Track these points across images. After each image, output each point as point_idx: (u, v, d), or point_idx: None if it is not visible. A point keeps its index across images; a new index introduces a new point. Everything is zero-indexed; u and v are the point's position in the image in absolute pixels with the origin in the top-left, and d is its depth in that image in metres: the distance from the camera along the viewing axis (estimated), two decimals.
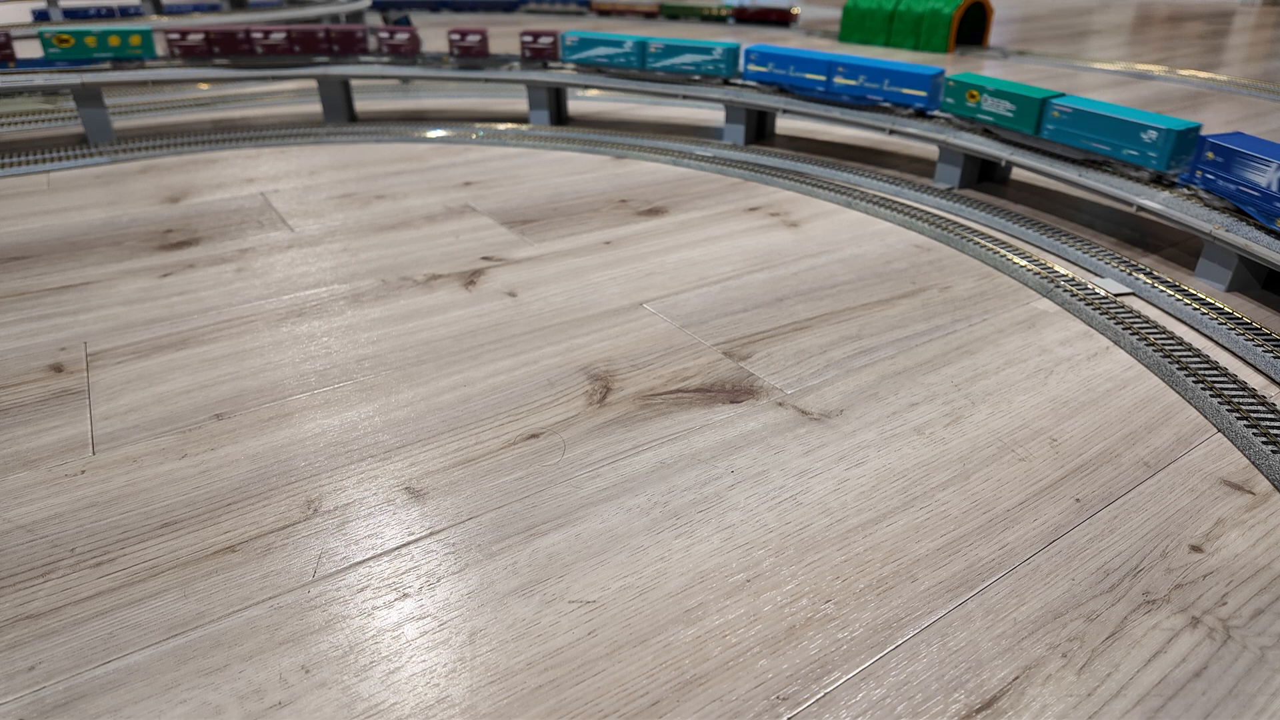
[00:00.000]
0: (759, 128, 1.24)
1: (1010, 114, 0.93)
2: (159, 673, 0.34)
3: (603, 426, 0.51)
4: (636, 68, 1.24)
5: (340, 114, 1.32)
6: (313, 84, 1.67)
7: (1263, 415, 0.49)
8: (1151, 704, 0.33)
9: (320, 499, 0.44)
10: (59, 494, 0.45)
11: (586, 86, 1.24)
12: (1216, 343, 0.61)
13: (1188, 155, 0.78)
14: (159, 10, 2.44)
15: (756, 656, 0.34)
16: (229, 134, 1.21)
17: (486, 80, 1.27)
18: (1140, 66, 1.82)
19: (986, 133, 0.97)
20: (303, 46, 1.27)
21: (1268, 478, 0.46)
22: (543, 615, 0.37)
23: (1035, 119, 0.90)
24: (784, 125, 1.31)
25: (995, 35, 2.46)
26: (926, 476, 0.46)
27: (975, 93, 0.96)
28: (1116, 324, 0.62)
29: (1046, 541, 0.41)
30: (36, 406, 0.53)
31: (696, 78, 1.22)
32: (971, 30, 2.19)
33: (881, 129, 1.03)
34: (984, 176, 1.02)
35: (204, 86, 1.61)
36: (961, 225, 0.83)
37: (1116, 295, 0.68)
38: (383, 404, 0.53)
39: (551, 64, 1.29)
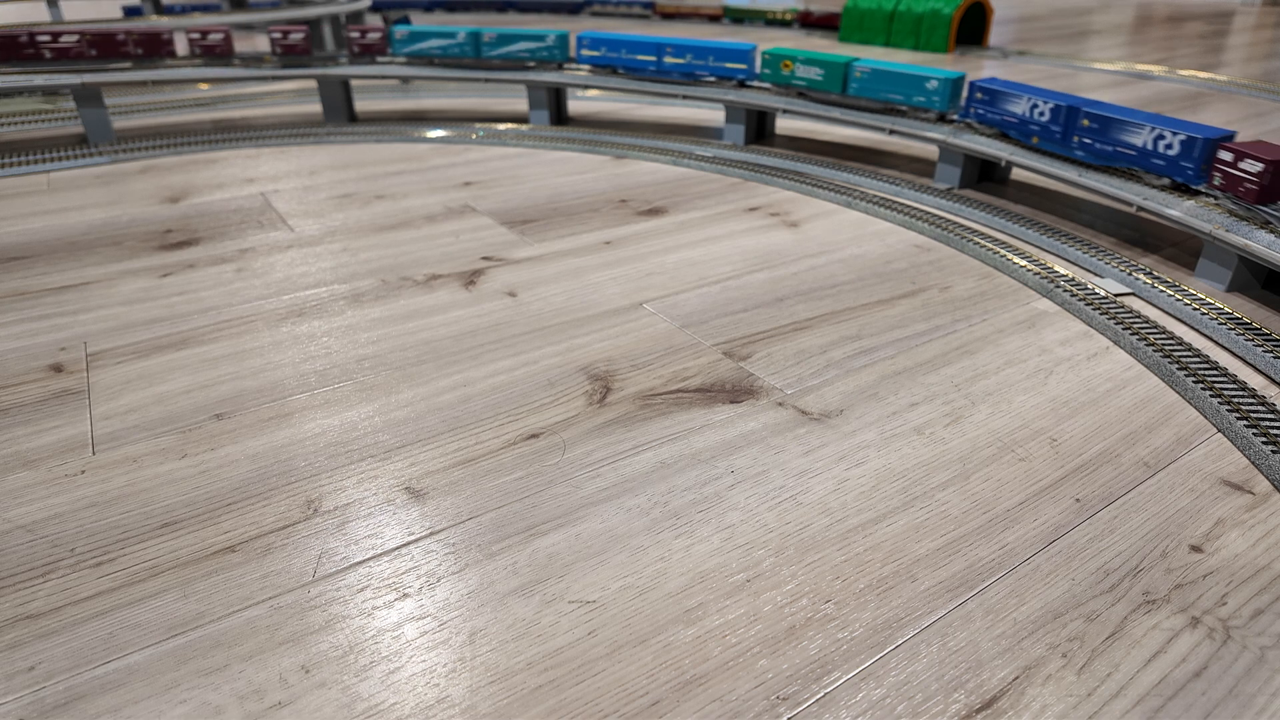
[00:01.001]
0: (759, 128, 1.24)
1: (820, 78, 1.09)
2: (159, 673, 0.34)
3: (603, 426, 0.51)
4: (471, 57, 1.27)
5: (340, 114, 1.32)
6: (313, 84, 1.67)
7: (1263, 415, 0.49)
8: (1151, 704, 0.33)
9: (320, 499, 0.44)
10: (59, 494, 0.45)
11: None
12: (1216, 343, 0.61)
13: (959, 99, 1.00)
14: (159, 10, 2.44)
15: (756, 656, 0.34)
16: (229, 134, 1.21)
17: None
18: (1140, 66, 1.82)
19: (801, 95, 1.13)
20: (100, 50, 1.20)
21: (1268, 478, 0.46)
22: (543, 615, 0.37)
23: (841, 80, 1.07)
24: (784, 125, 1.31)
25: (995, 35, 2.46)
26: (926, 476, 0.46)
27: (789, 62, 1.12)
28: (1116, 324, 0.62)
29: (1046, 541, 0.41)
30: (36, 406, 0.53)
31: (531, 64, 1.27)
32: (972, 30, 2.19)
33: (881, 129, 1.03)
34: (984, 176, 1.02)
35: (204, 86, 1.61)
36: (961, 225, 0.83)
37: (1116, 295, 0.68)
38: (383, 404, 0.53)
39: (380, 58, 1.30)
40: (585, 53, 1.25)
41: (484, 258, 0.78)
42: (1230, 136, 0.74)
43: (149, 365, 0.58)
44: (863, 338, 0.62)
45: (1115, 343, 0.61)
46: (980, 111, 0.96)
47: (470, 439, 0.49)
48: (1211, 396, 0.52)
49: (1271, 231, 0.67)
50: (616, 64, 1.24)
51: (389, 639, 0.35)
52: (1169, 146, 0.77)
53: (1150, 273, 0.71)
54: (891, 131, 1.02)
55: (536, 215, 0.90)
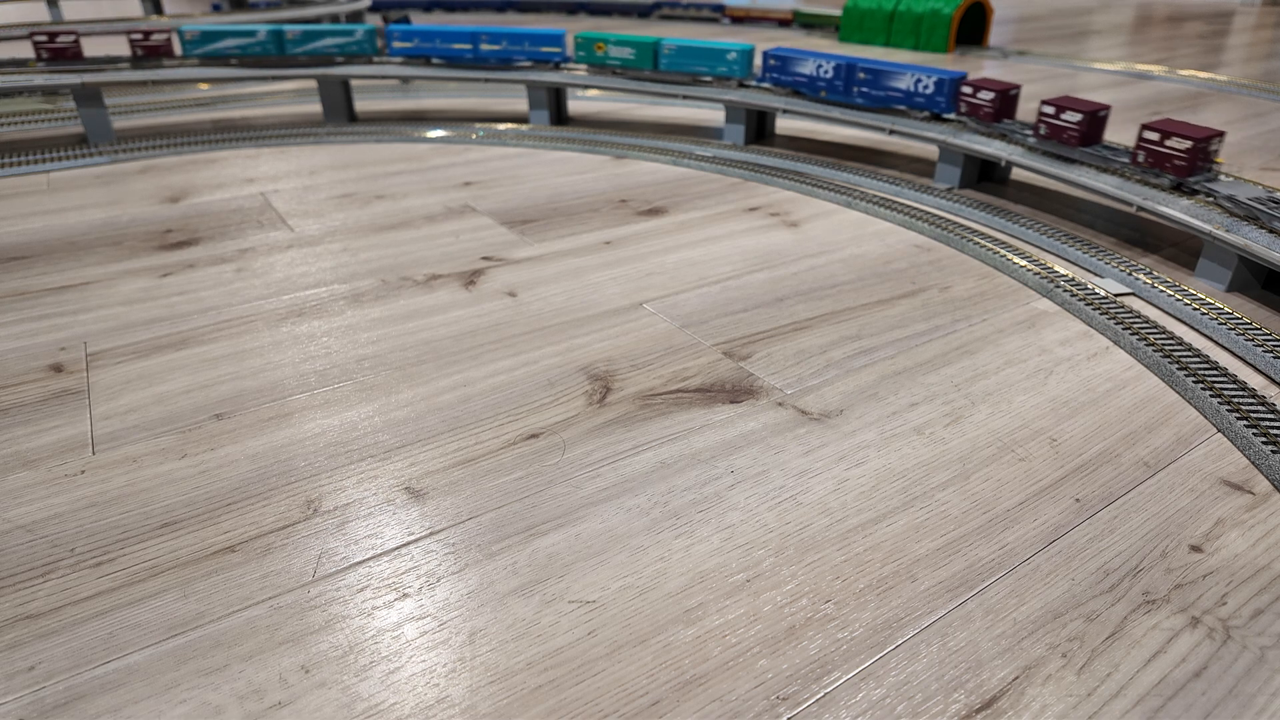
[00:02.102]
0: (759, 128, 1.24)
1: (633, 57, 1.20)
2: (159, 673, 0.34)
3: (603, 426, 0.51)
4: (274, 54, 1.26)
5: (340, 114, 1.32)
6: (313, 84, 1.67)
7: (1263, 415, 0.49)
8: (1151, 704, 0.33)
9: (320, 499, 0.44)
10: (59, 494, 0.45)
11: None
12: (1216, 343, 0.61)
13: (752, 67, 1.16)
14: (159, 11, 2.44)
15: (756, 656, 0.34)
16: (229, 134, 1.21)
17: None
18: (1140, 66, 1.82)
19: (615, 73, 1.23)
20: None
21: (1268, 478, 0.46)
22: (543, 615, 0.37)
23: (652, 57, 1.19)
24: (784, 125, 1.31)
25: (995, 35, 2.46)
26: (926, 476, 0.46)
27: (601, 44, 1.22)
28: (1116, 324, 0.62)
29: (1046, 541, 0.41)
30: (36, 406, 0.53)
31: (340, 59, 1.27)
32: (972, 30, 2.19)
33: (881, 129, 1.03)
34: (984, 176, 1.02)
35: (204, 86, 1.61)
36: (961, 225, 0.83)
37: (1116, 295, 0.68)
38: (383, 404, 0.53)
39: (168, 60, 1.26)
40: (397, 45, 1.26)
41: (484, 258, 0.78)
42: (964, 77, 0.98)
43: (149, 365, 0.58)
44: (863, 338, 0.62)
45: (1115, 343, 0.61)
46: (775, 75, 1.14)
47: (470, 439, 0.49)
48: (1211, 396, 0.52)
49: (1004, 138, 0.94)
50: (431, 54, 1.27)
51: (389, 639, 0.35)
52: (926, 87, 1.00)
53: (1150, 273, 0.71)
54: (891, 131, 1.02)
55: (536, 215, 0.90)
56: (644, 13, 2.93)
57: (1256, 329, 0.61)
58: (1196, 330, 0.63)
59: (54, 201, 0.94)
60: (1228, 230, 0.68)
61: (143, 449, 0.49)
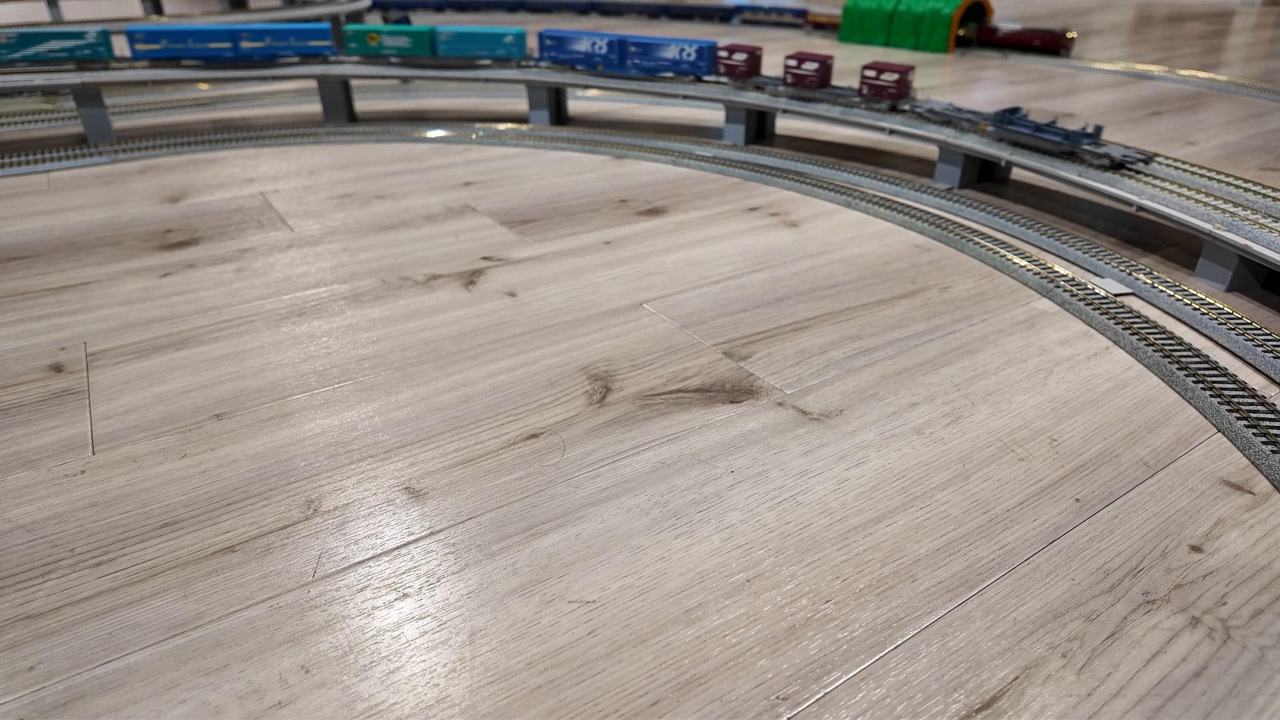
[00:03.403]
0: (759, 128, 1.24)
1: (409, 45, 1.25)
2: (159, 673, 0.34)
3: (603, 426, 0.51)
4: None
5: (340, 114, 1.32)
6: (313, 84, 1.67)
7: (1263, 415, 0.49)
8: (1151, 704, 0.33)
9: (320, 499, 0.44)
10: (59, 494, 0.45)
11: (586, 87, 1.24)
12: (1216, 343, 0.61)
13: (525, 49, 1.25)
14: (159, 11, 2.44)
15: (756, 656, 0.34)
16: (229, 134, 1.21)
17: None
18: (1140, 66, 1.82)
19: (390, 62, 1.27)
20: None
21: (1268, 478, 0.46)
22: (543, 615, 0.37)
23: (430, 45, 1.25)
24: (784, 125, 1.31)
25: None
26: (926, 476, 0.46)
27: (374, 35, 1.25)
28: (1116, 324, 0.62)
29: (1046, 541, 0.41)
30: (36, 406, 0.53)
31: (71, 65, 1.17)
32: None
33: (881, 129, 1.03)
34: (984, 176, 1.02)
35: (204, 86, 1.61)
36: (961, 225, 0.83)
37: (1116, 295, 0.68)
38: (383, 404, 0.53)
39: None
40: (140, 47, 1.18)
41: (484, 258, 0.78)
42: (716, 45, 1.16)
43: (149, 365, 0.58)
44: (863, 338, 0.62)
45: (1115, 343, 0.61)
46: (553, 55, 1.25)
47: (470, 439, 0.49)
48: (1211, 396, 0.52)
49: (759, 89, 1.14)
50: (183, 55, 1.20)
51: (389, 639, 0.35)
52: (689, 55, 1.18)
53: (1150, 273, 0.71)
54: (892, 131, 1.02)
55: (536, 215, 0.90)
56: (725, 17, 2.80)
57: (1256, 329, 0.61)
58: (1196, 330, 0.63)
59: (54, 201, 0.94)
60: (1228, 230, 0.68)
61: (143, 449, 0.49)
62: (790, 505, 0.43)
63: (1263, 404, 0.51)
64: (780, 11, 2.66)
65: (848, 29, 2.26)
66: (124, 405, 0.53)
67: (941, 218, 0.85)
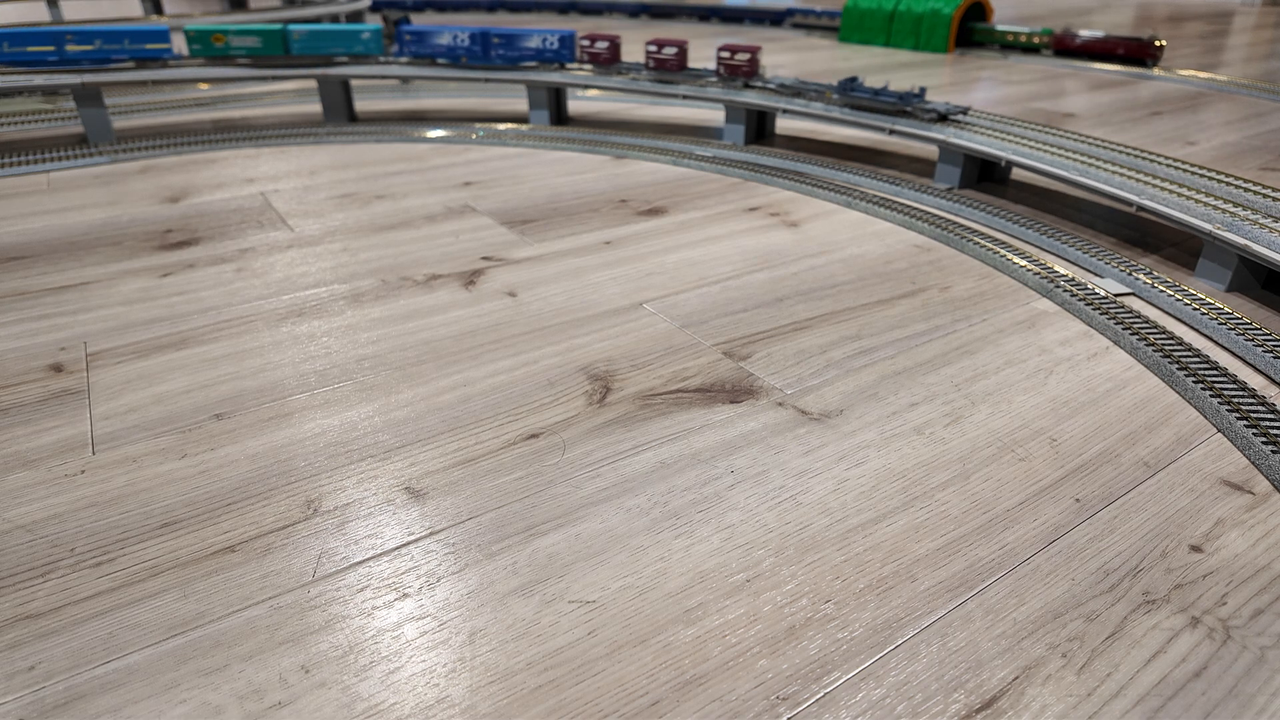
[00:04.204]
0: (759, 128, 1.24)
1: (261, 44, 1.22)
2: (159, 673, 0.34)
3: (603, 426, 0.51)
4: None
5: (340, 114, 1.32)
6: (313, 84, 1.67)
7: (1263, 415, 0.49)
8: (1151, 704, 0.33)
9: (320, 499, 0.44)
10: (59, 494, 0.45)
11: (588, 86, 1.25)
12: (1216, 343, 0.61)
13: (382, 43, 1.26)
14: (159, 11, 2.44)
15: (756, 656, 0.34)
16: (229, 134, 1.21)
17: None
18: (1140, 67, 1.81)
19: (239, 63, 1.23)
20: None
21: (1268, 478, 0.46)
22: (543, 615, 0.37)
23: (283, 43, 1.22)
24: (784, 125, 1.31)
25: None
26: (926, 476, 0.46)
27: (220, 36, 1.20)
28: (1116, 324, 0.62)
29: (1046, 541, 0.41)
30: (36, 406, 0.53)
31: None
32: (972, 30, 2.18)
33: (881, 129, 1.03)
34: (984, 176, 1.02)
35: (204, 86, 1.61)
36: (961, 225, 0.83)
37: (1116, 295, 0.68)
38: (383, 404, 0.53)
39: None
40: None
41: (484, 258, 0.78)
42: (575, 34, 1.24)
43: (149, 365, 0.58)
44: (863, 338, 0.62)
45: (1115, 343, 0.61)
46: (414, 49, 1.27)
47: (470, 439, 0.49)
48: (1211, 396, 0.52)
49: (620, 74, 1.23)
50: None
51: (389, 639, 0.35)
52: (552, 44, 1.24)
53: (1150, 273, 0.71)
54: (891, 131, 1.02)
55: (536, 215, 0.90)
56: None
57: (1256, 329, 0.61)
58: (1196, 330, 0.63)
59: (54, 201, 0.94)
60: (1228, 230, 0.68)
61: (143, 449, 0.49)
62: (790, 505, 0.43)
63: (1263, 404, 0.51)
64: (832, 16, 2.63)
65: (847, 29, 2.26)
66: (124, 405, 0.53)
67: (941, 218, 0.85)
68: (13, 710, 0.32)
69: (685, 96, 1.19)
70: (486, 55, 1.25)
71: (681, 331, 0.63)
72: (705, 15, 2.83)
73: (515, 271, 0.75)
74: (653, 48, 1.20)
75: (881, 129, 1.03)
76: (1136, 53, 1.79)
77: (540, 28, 1.27)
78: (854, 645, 0.35)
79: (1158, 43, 1.77)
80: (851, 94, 1.06)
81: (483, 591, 0.38)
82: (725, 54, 1.17)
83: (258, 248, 0.80)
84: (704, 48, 2.12)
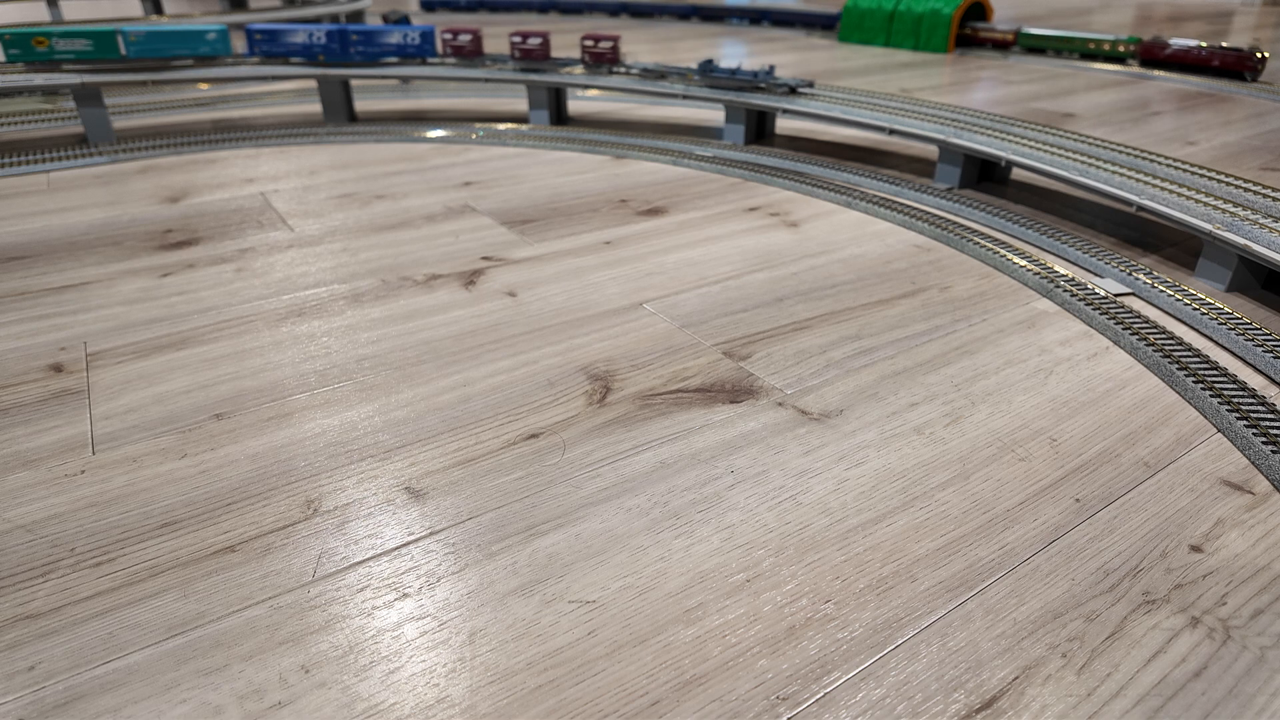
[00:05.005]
0: (759, 128, 1.24)
1: (91, 48, 1.16)
2: (159, 673, 0.34)
3: (603, 426, 0.51)
4: None
5: (340, 114, 1.32)
6: (313, 84, 1.67)
7: (1263, 415, 0.49)
8: (1151, 704, 0.33)
9: (320, 499, 0.44)
10: (59, 494, 0.45)
11: (589, 86, 1.25)
12: (1216, 343, 0.61)
13: (229, 44, 1.23)
14: (159, 11, 2.44)
15: (756, 656, 0.34)
16: (229, 134, 1.21)
17: None
18: (1140, 66, 1.81)
19: (65, 69, 1.16)
20: None
21: (1268, 478, 0.46)
22: (543, 615, 0.37)
23: (115, 46, 1.17)
24: (784, 125, 1.31)
25: None
26: (926, 476, 0.46)
27: (42, 39, 1.13)
28: (1116, 324, 0.62)
29: (1046, 541, 0.41)
30: (36, 406, 0.53)
31: None
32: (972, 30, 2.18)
33: (881, 129, 1.03)
34: (984, 176, 1.02)
35: (204, 86, 1.61)
36: (961, 225, 0.83)
37: (1116, 295, 0.68)
38: (383, 404, 0.53)
39: None
40: None
41: (484, 258, 0.78)
42: (434, 29, 1.29)
43: (149, 365, 0.58)
44: (863, 338, 0.62)
45: (1115, 343, 0.61)
46: (265, 48, 1.26)
47: (470, 439, 0.49)
48: (1211, 396, 0.52)
49: (485, 65, 1.29)
50: None
51: (389, 639, 0.35)
52: (414, 40, 1.27)
53: (1150, 273, 0.71)
54: (892, 131, 1.02)
55: (536, 215, 0.90)
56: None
57: (1256, 329, 0.61)
58: (1196, 330, 0.63)
59: (54, 201, 0.94)
60: (1228, 230, 0.68)
61: (143, 449, 0.49)
62: (790, 505, 0.43)
63: (1263, 404, 0.51)
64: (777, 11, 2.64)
65: (847, 29, 2.26)
66: (124, 405, 0.53)
67: (941, 218, 0.85)
68: (13, 710, 0.32)
69: (685, 96, 1.19)
70: (345, 53, 1.25)
71: (681, 331, 0.63)
72: (685, 14, 2.83)
73: (515, 271, 0.75)
74: (518, 39, 1.26)
75: (881, 129, 1.03)
76: (1235, 65, 1.63)
77: (385, 25, 1.29)
78: (854, 645, 0.35)
79: (1260, 54, 1.60)
80: (710, 74, 1.17)
81: (483, 591, 0.38)
82: (589, 43, 1.25)
83: (258, 248, 0.80)
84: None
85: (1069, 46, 1.90)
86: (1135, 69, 1.78)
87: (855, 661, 0.34)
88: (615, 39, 1.25)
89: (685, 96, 1.19)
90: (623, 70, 1.26)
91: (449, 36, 1.29)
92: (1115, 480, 0.46)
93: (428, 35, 1.27)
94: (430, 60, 1.31)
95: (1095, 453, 0.48)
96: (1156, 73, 1.74)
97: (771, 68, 1.17)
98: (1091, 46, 1.85)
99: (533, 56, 1.27)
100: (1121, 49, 1.80)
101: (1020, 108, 1.41)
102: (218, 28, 1.22)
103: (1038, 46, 1.97)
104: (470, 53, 1.29)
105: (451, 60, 1.31)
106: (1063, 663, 0.34)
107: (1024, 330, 0.63)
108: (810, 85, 1.18)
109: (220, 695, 0.33)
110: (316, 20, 2.22)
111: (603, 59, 1.26)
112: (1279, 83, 1.66)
